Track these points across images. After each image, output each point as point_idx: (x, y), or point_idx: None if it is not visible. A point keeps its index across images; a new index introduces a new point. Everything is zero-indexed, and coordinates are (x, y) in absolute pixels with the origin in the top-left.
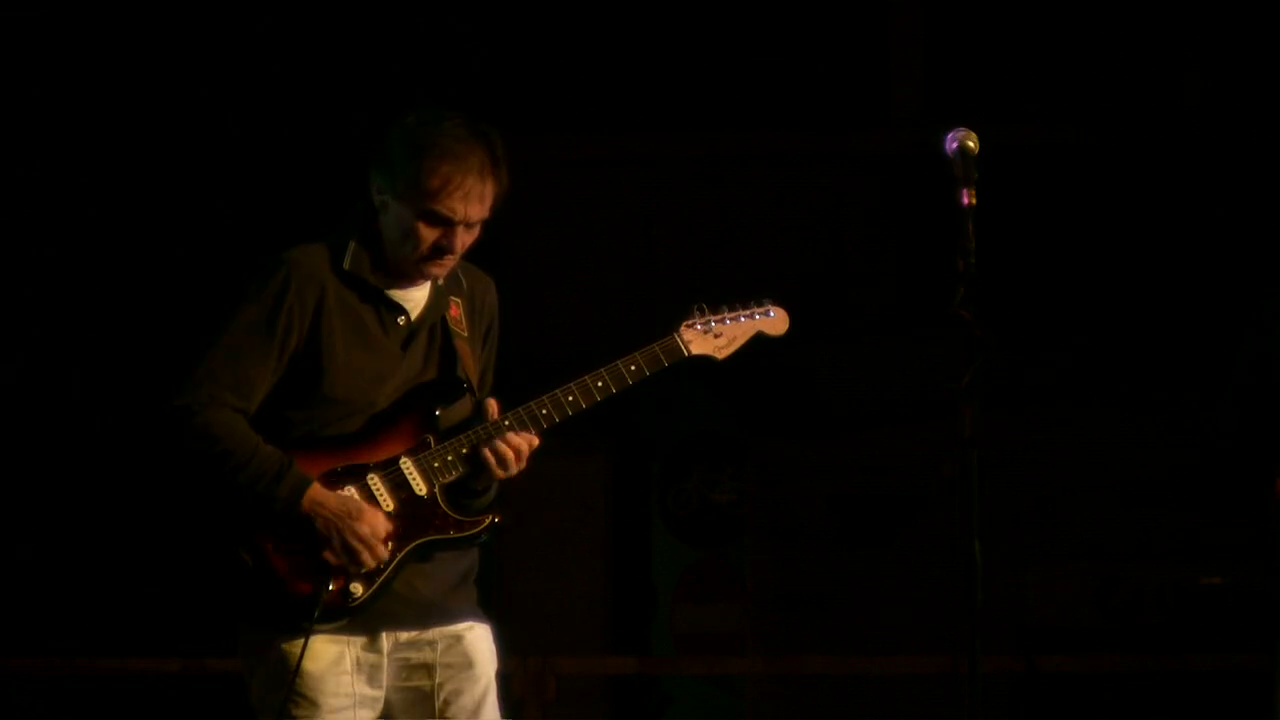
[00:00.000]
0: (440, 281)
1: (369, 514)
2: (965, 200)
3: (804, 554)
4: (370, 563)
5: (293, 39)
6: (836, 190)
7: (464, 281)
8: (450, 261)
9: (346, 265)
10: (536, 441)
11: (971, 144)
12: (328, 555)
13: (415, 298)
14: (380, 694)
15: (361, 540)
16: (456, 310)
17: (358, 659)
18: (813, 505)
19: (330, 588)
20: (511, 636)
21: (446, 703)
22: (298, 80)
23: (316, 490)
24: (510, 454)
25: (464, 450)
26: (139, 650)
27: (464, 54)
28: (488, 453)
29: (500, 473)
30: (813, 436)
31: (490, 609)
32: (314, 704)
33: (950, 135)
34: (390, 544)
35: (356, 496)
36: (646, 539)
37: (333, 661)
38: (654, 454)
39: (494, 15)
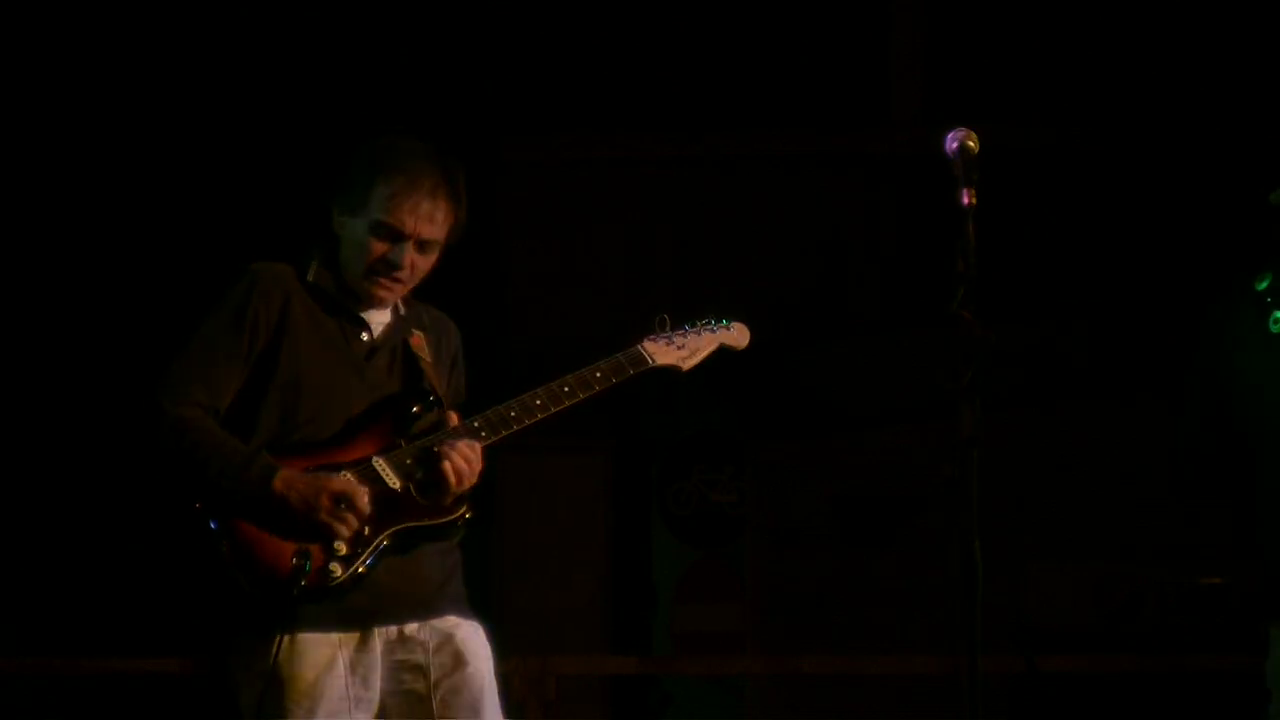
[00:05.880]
0: (401, 311)
1: (340, 477)
2: (965, 200)
3: (804, 554)
4: (353, 523)
5: (289, 39)
6: (836, 190)
7: (425, 318)
8: (399, 281)
9: (310, 278)
10: (479, 446)
11: (971, 144)
12: (307, 529)
13: (376, 319)
14: (375, 695)
15: (339, 497)
16: (418, 339)
17: (351, 661)
18: (813, 505)
19: (309, 567)
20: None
21: (444, 703)
22: (294, 81)
23: (286, 472)
24: (462, 464)
25: (434, 449)
26: (139, 650)
27: (464, 54)
28: (446, 466)
29: (453, 481)
30: (813, 436)
31: (490, 609)
32: (310, 710)
33: (950, 135)
34: (368, 529)
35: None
36: (646, 539)
37: (326, 665)
38: (654, 454)
39: (494, 15)
